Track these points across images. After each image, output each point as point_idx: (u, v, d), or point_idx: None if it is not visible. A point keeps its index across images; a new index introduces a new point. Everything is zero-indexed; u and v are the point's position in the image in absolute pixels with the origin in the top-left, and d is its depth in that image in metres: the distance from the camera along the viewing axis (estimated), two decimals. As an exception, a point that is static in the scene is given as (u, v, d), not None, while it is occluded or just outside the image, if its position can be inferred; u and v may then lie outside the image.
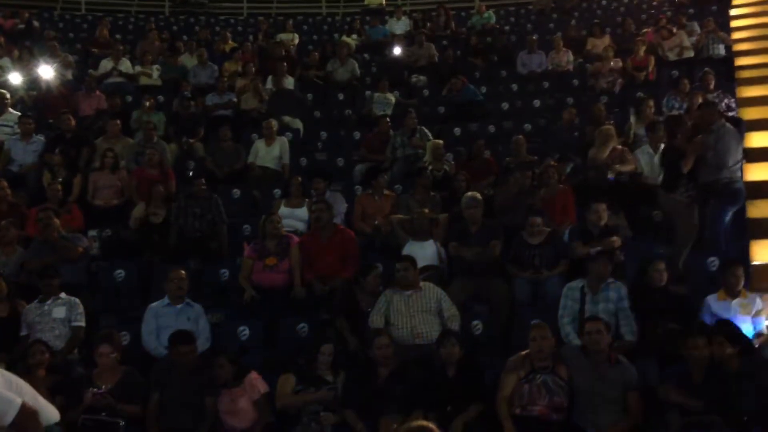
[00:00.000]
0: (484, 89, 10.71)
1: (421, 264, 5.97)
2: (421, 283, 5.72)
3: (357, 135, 9.59)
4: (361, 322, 5.63)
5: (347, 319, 5.68)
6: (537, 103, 10.36)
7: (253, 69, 10.66)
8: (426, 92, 11.03)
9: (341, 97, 10.83)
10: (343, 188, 7.99)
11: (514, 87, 11.03)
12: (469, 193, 6.62)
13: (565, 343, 5.22)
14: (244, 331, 5.83)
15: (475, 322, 5.78)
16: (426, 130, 8.84)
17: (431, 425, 2.60)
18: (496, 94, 10.82)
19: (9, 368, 4.71)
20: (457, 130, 9.64)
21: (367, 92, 10.49)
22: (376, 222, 7.02)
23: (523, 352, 4.82)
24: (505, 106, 10.43)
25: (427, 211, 6.69)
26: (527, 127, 9.50)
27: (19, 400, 3.33)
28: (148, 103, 9.31)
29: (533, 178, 7.13)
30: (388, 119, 9.14)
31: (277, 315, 6.02)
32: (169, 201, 7.23)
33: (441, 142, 8.38)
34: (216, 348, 5.46)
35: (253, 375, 5.04)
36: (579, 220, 6.56)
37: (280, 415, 4.97)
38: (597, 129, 7.70)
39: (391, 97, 10.18)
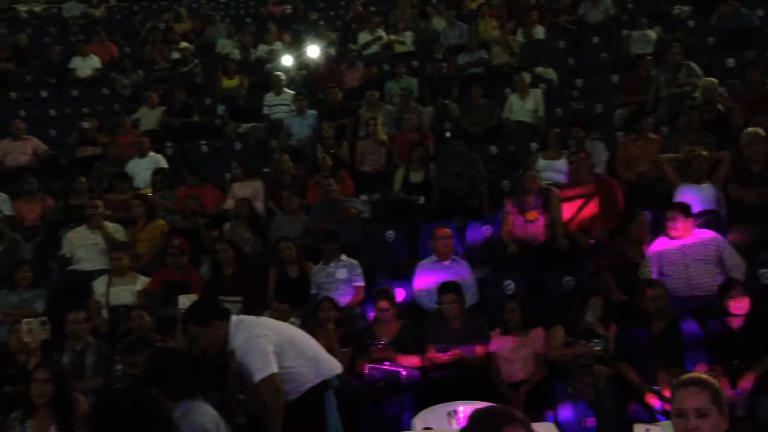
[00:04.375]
0: (760, 12, 9.55)
1: (696, 209, 5.56)
2: (697, 230, 5.33)
3: (615, 78, 9.09)
4: (629, 274, 5.40)
5: (613, 271, 5.50)
6: (830, 18, 9.02)
7: (502, 23, 10.57)
8: (691, 23, 10.10)
9: (596, 40, 10.32)
10: (602, 136, 7.67)
11: (799, 3, 9.70)
12: (750, 129, 6.02)
13: None
14: (510, 285, 5.90)
15: (762, 271, 5.28)
16: (693, 65, 8.13)
17: (709, 378, 2.43)
18: (777, 15, 9.60)
19: (303, 322, 5.31)
20: (731, 61, 8.72)
21: (624, 31, 9.89)
22: (642, 168, 6.64)
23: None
24: (789, 26, 9.23)
25: (705, 152, 6.17)
26: (818, 48, 8.32)
27: (272, 369, 3.67)
28: (398, 71, 9.66)
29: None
30: (649, 57, 8.56)
31: (541, 268, 6.01)
32: (427, 162, 7.49)
33: (715, 81, 7.53)
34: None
35: (540, 329, 5.09)
36: None
37: (551, 368, 4.98)
38: None
39: (652, 34, 9.50)
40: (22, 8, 14.63)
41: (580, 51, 10.27)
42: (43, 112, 10.59)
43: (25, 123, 9.20)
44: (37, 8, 15.02)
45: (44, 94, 11.08)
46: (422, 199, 7.17)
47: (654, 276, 5.23)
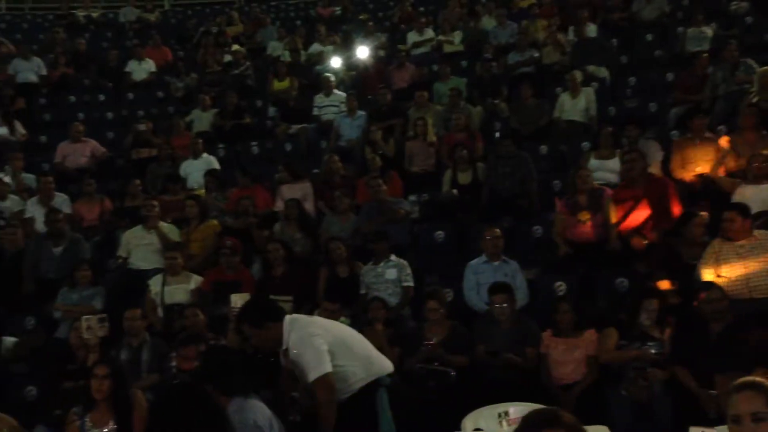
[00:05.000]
0: (822, 5, 9.26)
1: (756, 209, 5.41)
2: (756, 232, 5.19)
3: (670, 76, 8.92)
4: (685, 276, 5.29)
5: (668, 272, 5.38)
6: None
7: (553, 21, 10.45)
8: (749, 19, 9.84)
9: (649, 37, 10.13)
10: (657, 135, 7.53)
11: None
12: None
13: None
14: (561, 287, 5.83)
15: (824, 273, 5.10)
16: (752, 62, 7.91)
17: (766, 382, 2.36)
18: (840, 9, 9.28)
19: (352, 322, 5.34)
20: (791, 58, 8.47)
21: (679, 28, 9.69)
22: (698, 169, 6.50)
23: None
24: None
25: (766, 151, 6.01)
26: None
27: (327, 368, 3.69)
28: (444, 72, 9.62)
29: None
30: (705, 55, 8.37)
31: (592, 269, 5.93)
32: (472, 162, 7.45)
33: (769, 68, 7.39)
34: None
35: (593, 331, 5.02)
36: None
37: (604, 371, 4.91)
38: None
39: (708, 31, 9.29)
40: (80, 14, 15.05)
41: (633, 49, 10.09)
42: (101, 114, 10.91)
43: (83, 125, 9.48)
44: (95, 13, 15.43)
45: (102, 97, 11.42)
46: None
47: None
